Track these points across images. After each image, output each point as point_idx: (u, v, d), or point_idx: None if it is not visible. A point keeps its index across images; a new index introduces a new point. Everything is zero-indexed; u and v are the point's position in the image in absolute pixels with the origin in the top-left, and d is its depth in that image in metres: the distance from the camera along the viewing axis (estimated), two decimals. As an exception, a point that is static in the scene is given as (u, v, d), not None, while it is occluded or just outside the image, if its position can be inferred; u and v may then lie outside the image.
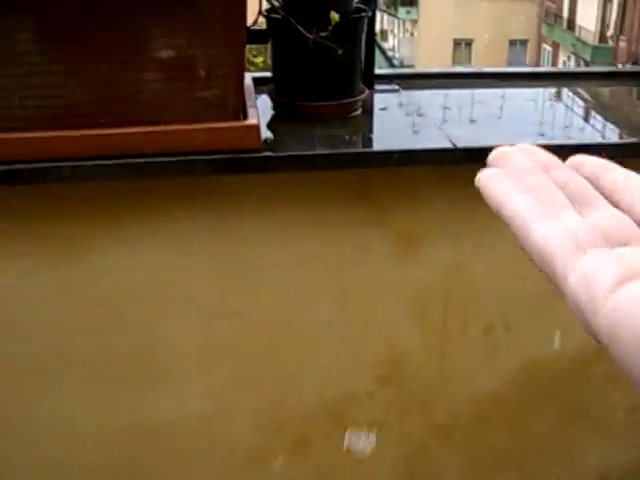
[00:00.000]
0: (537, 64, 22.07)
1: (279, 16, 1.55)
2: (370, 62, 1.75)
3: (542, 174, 0.48)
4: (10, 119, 1.36)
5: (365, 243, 1.61)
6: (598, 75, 2.00)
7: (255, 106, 1.47)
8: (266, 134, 1.50)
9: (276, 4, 1.59)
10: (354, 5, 1.60)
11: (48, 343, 1.60)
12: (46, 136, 1.36)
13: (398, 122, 1.63)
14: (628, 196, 0.46)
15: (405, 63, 20.15)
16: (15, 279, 1.54)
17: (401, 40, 22.31)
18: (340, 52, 1.51)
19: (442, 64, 20.69)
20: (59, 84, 1.34)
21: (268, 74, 1.70)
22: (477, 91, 1.86)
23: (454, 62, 21.63)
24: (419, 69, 1.98)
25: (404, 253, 1.63)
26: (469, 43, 21.93)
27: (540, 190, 0.47)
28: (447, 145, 1.49)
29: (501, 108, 1.76)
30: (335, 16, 1.46)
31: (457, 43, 21.84)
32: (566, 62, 20.84)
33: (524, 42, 22.37)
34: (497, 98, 1.82)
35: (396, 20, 20.39)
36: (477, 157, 1.48)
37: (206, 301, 1.61)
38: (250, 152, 1.40)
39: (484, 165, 1.55)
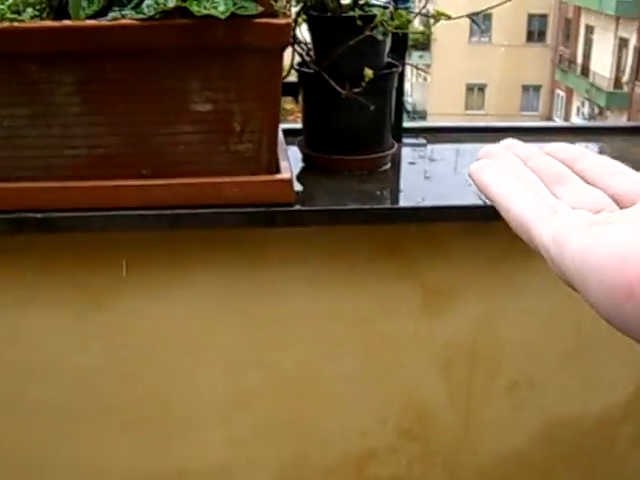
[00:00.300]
0: (550, 110, 22.18)
1: (311, 70, 1.57)
2: (399, 116, 1.76)
3: (522, 163, 0.55)
4: (48, 168, 1.38)
5: (392, 298, 1.62)
6: (626, 130, 2.01)
7: (287, 159, 1.48)
8: (296, 187, 1.51)
9: (307, 59, 1.61)
10: (385, 60, 1.62)
11: (76, 388, 1.61)
12: (82, 186, 1.38)
13: (427, 177, 1.64)
14: (603, 179, 0.50)
15: (417, 108, 20.25)
16: (45, 326, 1.56)
17: (414, 84, 22.45)
18: (372, 108, 1.53)
19: (455, 109, 20.79)
20: (97, 135, 1.36)
21: (297, 125, 1.71)
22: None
23: (467, 107, 21.74)
24: (447, 123, 2.00)
25: (431, 308, 1.64)
26: (482, 88, 22.05)
27: (519, 174, 0.53)
28: (477, 202, 1.49)
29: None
30: (369, 73, 1.48)
31: (470, 88, 21.97)
32: (580, 108, 20.93)
33: (537, 87, 22.48)
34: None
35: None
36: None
37: (233, 351, 1.61)
38: (282, 206, 1.41)
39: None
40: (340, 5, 1.57)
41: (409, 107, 20.28)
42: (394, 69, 1.61)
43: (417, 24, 1.67)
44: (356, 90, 1.48)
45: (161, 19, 1.30)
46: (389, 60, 1.62)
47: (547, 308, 1.65)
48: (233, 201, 1.39)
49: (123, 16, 1.32)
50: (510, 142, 0.58)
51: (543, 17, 22.14)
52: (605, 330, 1.48)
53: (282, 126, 1.68)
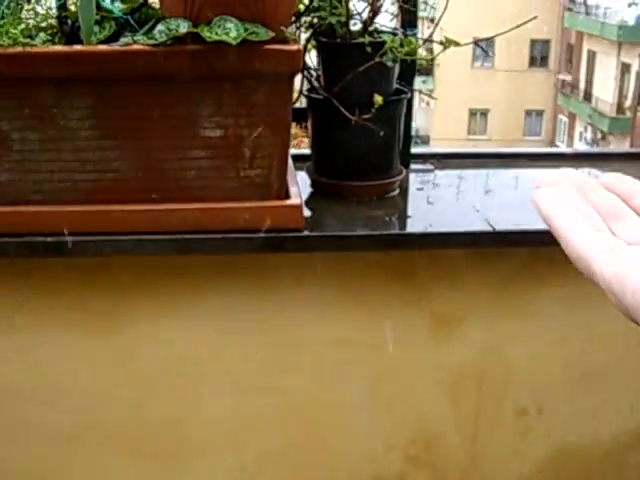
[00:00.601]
0: (553, 135, 22.22)
1: (320, 96, 1.58)
2: (407, 142, 1.77)
3: (581, 195, 0.57)
4: (59, 192, 1.38)
5: (400, 323, 1.62)
6: (631, 156, 2.01)
7: (297, 185, 1.49)
8: (305, 212, 1.51)
9: (316, 84, 1.62)
10: (394, 86, 1.62)
11: (84, 413, 1.61)
12: (92, 210, 1.39)
13: (435, 203, 1.64)
14: None
15: (420, 133, 20.29)
16: (54, 350, 1.56)
17: (416, 109, 22.35)
18: (382, 134, 1.54)
19: (457, 134, 20.82)
20: (109, 160, 1.37)
21: (306, 151, 1.72)
22: (512, 171, 1.87)
23: (469, 132, 21.76)
24: (454, 149, 2.01)
25: (439, 334, 1.63)
26: (484, 113, 22.09)
27: (579, 207, 0.55)
28: (485, 228, 1.49)
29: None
30: (379, 99, 1.48)
31: (472, 113, 22.01)
32: (583, 133, 20.97)
33: (540, 112, 22.54)
34: (533, 179, 1.83)
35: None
36: (516, 240, 1.50)
37: (242, 377, 1.61)
38: (292, 231, 1.41)
39: (523, 248, 1.55)
40: (350, 31, 1.58)
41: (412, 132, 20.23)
42: (403, 95, 1.61)
43: (420, 50, 1.67)
44: (366, 116, 1.49)
45: (173, 45, 1.31)
46: (397, 86, 1.63)
47: (556, 334, 1.65)
48: (243, 226, 1.39)
49: (135, 41, 1.33)
50: (568, 171, 0.60)
51: (546, 42, 22.22)
52: (614, 357, 1.49)
53: (291, 151, 1.69)
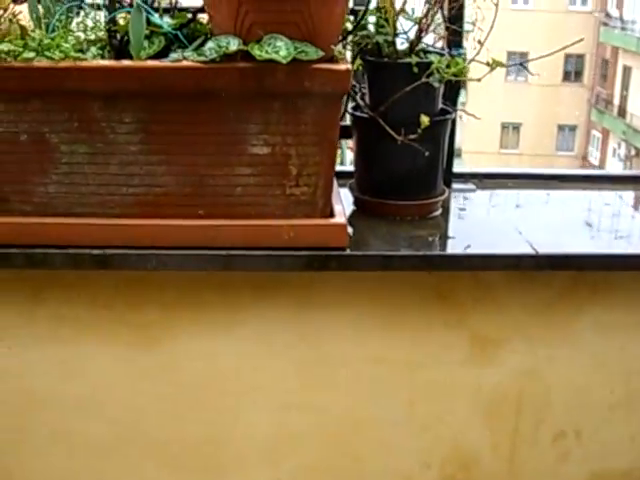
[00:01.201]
0: (586, 150, 22.09)
1: (365, 115, 1.58)
2: (450, 161, 1.77)
3: None
4: (105, 205, 1.40)
5: (440, 344, 1.61)
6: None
7: (341, 203, 1.49)
8: (348, 229, 1.51)
9: (361, 102, 1.62)
10: (439, 106, 1.62)
11: (125, 425, 1.63)
12: (138, 224, 1.40)
13: (477, 223, 1.64)
14: None
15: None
16: (96, 362, 1.58)
17: (450, 121, 22.20)
18: (427, 154, 1.53)
19: (489, 147, 20.74)
20: (156, 174, 1.38)
21: (348, 168, 1.72)
22: (552, 192, 1.87)
23: (501, 146, 21.68)
24: (495, 169, 2.00)
25: (478, 356, 1.63)
26: (517, 127, 22.01)
27: None
28: (528, 251, 1.49)
29: (579, 211, 1.76)
30: (425, 120, 1.49)
31: (505, 127, 21.94)
32: (616, 149, 20.82)
33: (573, 128, 22.42)
34: (574, 200, 1.82)
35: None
36: (559, 264, 1.49)
37: (281, 393, 1.62)
38: (336, 249, 1.42)
39: (565, 271, 1.53)
40: (396, 50, 1.58)
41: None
42: (448, 116, 1.61)
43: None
44: (411, 137, 1.49)
45: (222, 62, 1.32)
46: (442, 106, 1.63)
47: (596, 359, 1.64)
48: (287, 244, 1.40)
49: (185, 58, 1.34)
50: None
51: (580, 57, 22.11)
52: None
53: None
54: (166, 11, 1.50)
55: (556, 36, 20.95)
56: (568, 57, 22.22)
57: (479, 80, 1.66)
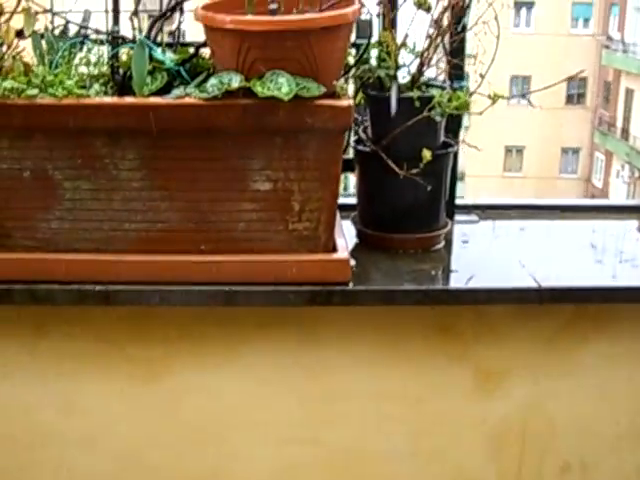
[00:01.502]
0: (589, 173, 22.09)
1: (367, 149, 1.58)
2: (452, 193, 1.77)
3: None
4: (109, 241, 1.40)
5: (444, 378, 1.61)
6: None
7: (343, 236, 1.49)
8: (351, 263, 1.51)
9: (363, 136, 1.63)
10: (441, 139, 1.62)
11: (126, 460, 1.63)
12: (141, 260, 1.40)
13: (480, 257, 1.64)
14: None
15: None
16: (97, 396, 1.58)
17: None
18: (429, 189, 1.54)
19: (493, 171, 20.74)
20: (159, 210, 1.38)
21: (351, 200, 1.72)
22: (555, 222, 1.87)
23: (505, 169, 21.68)
24: (497, 200, 2.00)
25: (482, 389, 1.62)
26: (520, 150, 22.01)
27: None
28: (531, 284, 1.49)
29: (581, 242, 1.76)
30: (427, 155, 1.49)
31: (508, 150, 21.95)
32: (619, 171, 20.82)
33: (576, 150, 22.42)
34: (576, 231, 1.82)
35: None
36: (562, 297, 1.49)
37: (286, 427, 1.62)
38: (339, 284, 1.42)
39: (568, 305, 1.53)
40: (398, 85, 1.58)
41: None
42: (450, 149, 1.61)
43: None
44: (413, 171, 1.49)
45: (225, 98, 1.32)
46: (445, 139, 1.63)
47: (601, 390, 1.63)
48: (291, 279, 1.40)
49: (187, 94, 1.35)
50: None
51: (582, 80, 22.15)
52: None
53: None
54: (169, 46, 1.51)
55: (559, 59, 21.06)
56: (570, 79, 22.26)
57: (480, 114, 1.67)
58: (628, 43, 20.47)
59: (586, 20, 22.20)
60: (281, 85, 1.31)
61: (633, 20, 20.35)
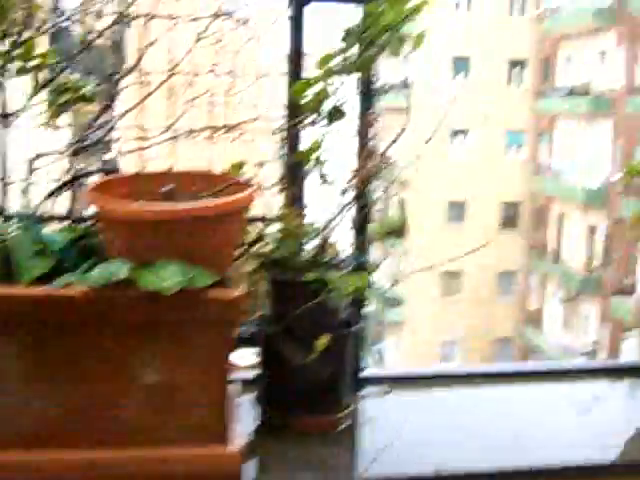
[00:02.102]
0: (525, 295, 22.43)
1: (269, 331, 1.54)
2: (358, 368, 1.73)
3: None
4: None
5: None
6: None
7: (238, 421, 1.41)
8: (249, 448, 1.43)
9: (265, 315, 1.58)
10: (343, 318, 1.58)
11: None
12: (24, 459, 1.30)
13: (385, 436, 1.57)
14: None
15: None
16: None
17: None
18: (327, 375, 1.49)
19: (429, 296, 20.84)
20: (41, 404, 1.30)
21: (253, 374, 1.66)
22: (468, 391, 1.83)
23: (443, 294, 21.80)
24: (409, 370, 1.96)
25: None
26: (458, 274, 22.23)
27: None
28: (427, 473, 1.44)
29: (489, 416, 1.71)
30: (322, 342, 1.44)
31: (445, 274, 22.15)
32: (555, 292, 21.15)
33: (513, 273, 22.78)
34: (489, 400, 1.79)
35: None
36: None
37: None
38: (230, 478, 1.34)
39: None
40: (300, 262, 1.55)
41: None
42: (350, 329, 1.57)
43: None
44: (311, 357, 1.44)
45: (110, 288, 1.26)
46: (346, 318, 1.59)
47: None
48: (182, 473, 1.32)
49: (72, 283, 1.29)
50: None
51: (513, 205, 22.72)
52: None
53: (238, 375, 1.63)
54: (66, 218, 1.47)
55: (492, 182, 21.69)
56: (504, 204, 22.85)
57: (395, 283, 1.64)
58: (556, 170, 21.21)
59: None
60: (167, 277, 1.25)
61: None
